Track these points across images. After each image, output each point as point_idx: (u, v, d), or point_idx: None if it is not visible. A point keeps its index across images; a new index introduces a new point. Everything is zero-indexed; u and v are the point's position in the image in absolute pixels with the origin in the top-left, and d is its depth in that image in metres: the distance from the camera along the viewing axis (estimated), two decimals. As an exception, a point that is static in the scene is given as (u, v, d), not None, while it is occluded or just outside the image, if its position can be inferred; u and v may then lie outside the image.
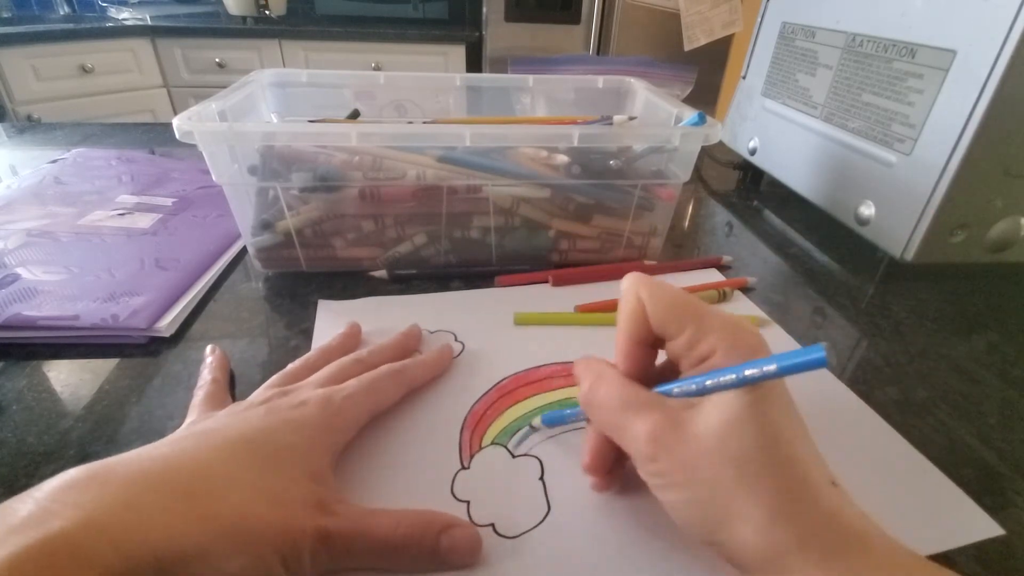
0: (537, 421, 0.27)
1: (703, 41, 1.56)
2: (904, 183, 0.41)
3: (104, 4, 1.96)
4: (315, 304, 0.37)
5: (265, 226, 0.38)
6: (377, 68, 1.80)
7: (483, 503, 0.24)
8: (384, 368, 0.28)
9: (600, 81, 0.54)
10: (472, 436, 0.27)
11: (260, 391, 0.27)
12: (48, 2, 1.93)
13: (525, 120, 0.51)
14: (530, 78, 0.53)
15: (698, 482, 0.18)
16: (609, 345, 0.23)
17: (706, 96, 1.67)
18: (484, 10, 1.63)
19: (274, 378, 0.28)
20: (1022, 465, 0.27)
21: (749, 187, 0.64)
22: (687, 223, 0.54)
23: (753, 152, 0.60)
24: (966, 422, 0.30)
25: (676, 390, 0.20)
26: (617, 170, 0.41)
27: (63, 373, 0.31)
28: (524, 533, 0.23)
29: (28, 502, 0.16)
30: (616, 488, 0.24)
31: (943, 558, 0.22)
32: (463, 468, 0.25)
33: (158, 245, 0.42)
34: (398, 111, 0.53)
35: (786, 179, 0.55)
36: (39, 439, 0.26)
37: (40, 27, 1.59)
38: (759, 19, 0.60)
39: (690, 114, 0.40)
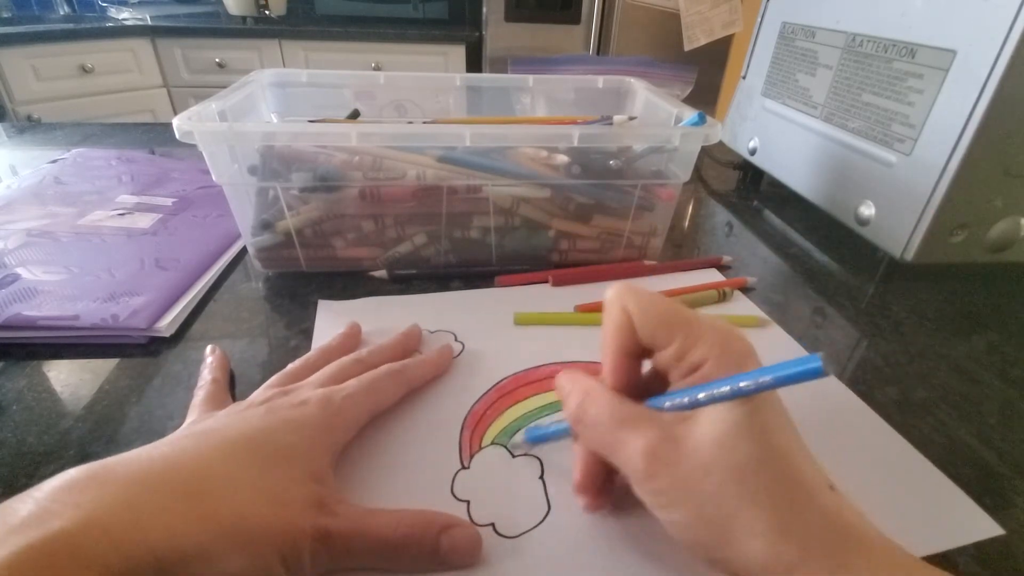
0: (519, 438, 0.26)
1: (703, 41, 1.56)
2: (904, 183, 0.41)
3: (104, 4, 1.96)
4: (315, 304, 0.37)
5: (265, 226, 0.38)
6: (377, 68, 1.80)
7: (483, 503, 0.24)
8: (384, 368, 0.28)
9: (600, 81, 0.54)
10: (472, 436, 0.27)
11: (260, 391, 0.27)
12: (48, 2, 1.93)
13: (525, 120, 0.51)
14: (530, 78, 0.53)
15: (699, 497, 0.18)
16: (609, 345, 0.23)
17: (706, 96, 1.67)
18: (484, 10, 1.63)
19: (274, 378, 0.28)
20: (1022, 465, 0.27)
21: (749, 187, 0.64)
22: (687, 223, 0.54)
23: (753, 152, 0.60)
24: (966, 422, 0.30)
25: (668, 404, 0.19)
26: (617, 170, 0.41)
27: (63, 373, 0.31)
28: (524, 533, 0.23)
29: (28, 502, 0.16)
30: (608, 506, 0.23)
31: (943, 558, 0.22)
32: (463, 468, 0.25)
33: (158, 245, 0.42)
34: (398, 111, 0.53)
35: (786, 179, 0.55)
36: (39, 439, 0.26)
37: (40, 27, 1.59)
38: (759, 19, 0.60)
39: (690, 114, 0.40)
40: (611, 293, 0.22)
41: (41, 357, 0.32)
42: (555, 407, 0.29)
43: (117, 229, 0.44)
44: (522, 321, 0.36)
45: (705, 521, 0.18)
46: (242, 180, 0.38)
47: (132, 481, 0.18)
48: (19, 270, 0.37)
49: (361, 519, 0.21)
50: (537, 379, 0.31)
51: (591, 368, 0.23)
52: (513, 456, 0.26)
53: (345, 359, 0.29)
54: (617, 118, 0.46)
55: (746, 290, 0.41)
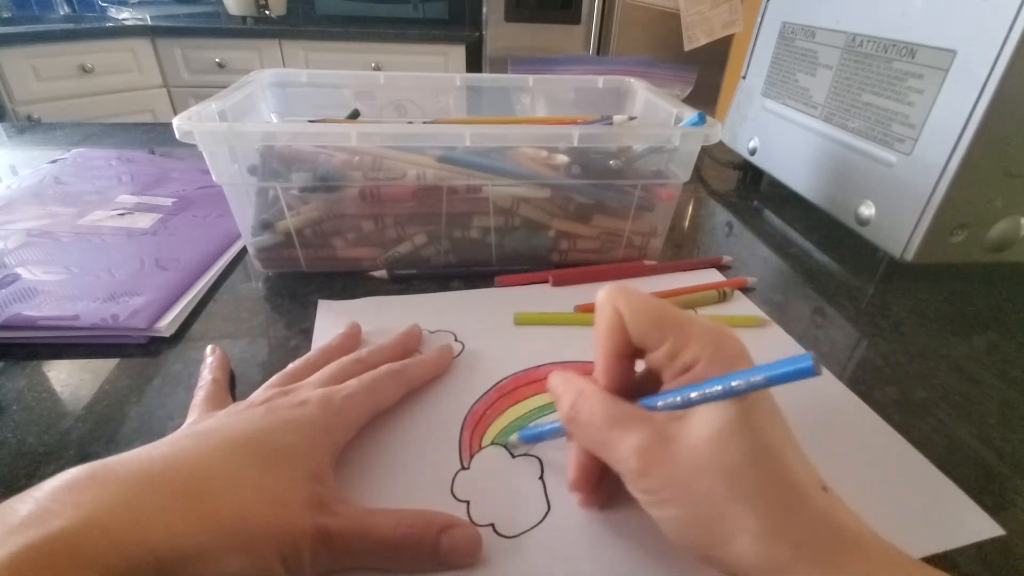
0: (515, 438, 0.27)
1: (703, 41, 1.56)
2: (904, 183, 0.41)
3: (104, 4, 1.96)
4: (315, 304, 0.37)
5: (265, 226, 0.38)
6: (377, 68, 1.80)
7: (483, 503, 0.24)
8: (384, 368, 0.28)
9: (600, 81, 0.54)
10: (472, 436, 0.27)
11: (260, 391, 0.26)
12: (48, 2, 1.93)
13: (525, 120, 0.51)
14: (530, 78, 0.53)
15: (691, 496, 0.18)
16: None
17: (706, 96, 1.67)
18: (484, 10, 1.63)
19: (274, 378, 0.28)
20: (1022, 465, 0.27)
21: (749, 187, 0.64)
22: (687, 223, 0.54)
23: (753, 152, 0.60)
24: (966, 422, 0.30)
25: (660, 404, 0.20)
26: (617, 170, 0.41)
27: (63, 373, 0.31)
28: (524, 533, 0.23)
29: (28, 502, 0.16)
30: (605, 503, 0.24)
31: (943, 558, 0.23)
32: (463, 468, 0.25)
33: (158, 245, 0.42)
34: (398, 111, 0.53)
35: (786, 179, 0.55)
36: (39, 439, 0.26)
37: (40, 27, 1.59)
38: (759, 19, 0.60)
39: (690, 114, 0.40)
40: (603, 294, 0.22)
41: (41, 357, 0.32)
42: (554, 407, 0.29)
43: (117, 229, 0.44)
44: (522, 321, 0.36)
45: (697, 520, 0.18)
46: (242, 180, 0.38)
47: (132, 481, 0.18)
48: (19, 270, 0.37)
49: (361, 519, 0.21)
50: (537, 379, 0.31)
51: (589, 368, 0.23)
52: (513, 456, 0.26)
53: (345, 359, 0.29)
54: (617, 118, 0.46)
55: (746, 290, 0.41)
